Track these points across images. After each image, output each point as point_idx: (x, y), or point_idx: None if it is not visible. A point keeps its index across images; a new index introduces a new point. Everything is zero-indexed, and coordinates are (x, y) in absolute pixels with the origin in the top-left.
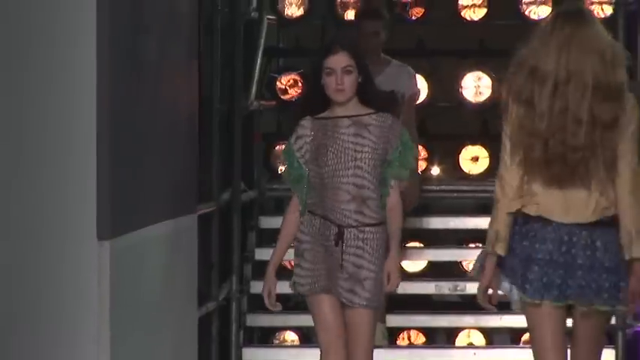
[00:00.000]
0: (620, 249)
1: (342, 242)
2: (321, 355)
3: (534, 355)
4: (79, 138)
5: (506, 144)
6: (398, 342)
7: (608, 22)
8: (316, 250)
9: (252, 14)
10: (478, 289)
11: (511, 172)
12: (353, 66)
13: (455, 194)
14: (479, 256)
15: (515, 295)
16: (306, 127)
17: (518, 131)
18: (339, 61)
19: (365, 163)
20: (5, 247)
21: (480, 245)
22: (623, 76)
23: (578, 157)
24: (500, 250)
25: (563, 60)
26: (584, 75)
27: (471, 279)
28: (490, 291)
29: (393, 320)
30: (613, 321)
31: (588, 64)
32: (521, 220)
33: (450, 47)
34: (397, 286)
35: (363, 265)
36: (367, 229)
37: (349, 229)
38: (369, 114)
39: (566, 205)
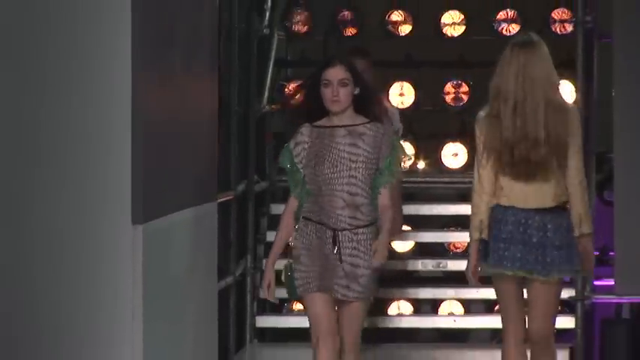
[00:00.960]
0: (570, 229)
1: (338, 245)
2: (313, 347)
3: (502, 319)
4: (117, 136)
5: (481, 148)
6: (389, 311)
7: (568, 38)
8: (311, 254)
9: (265, 30)
10: (467, 268)
11: (486, 170)
12: (349, 79)
13: (438, 185)
14: (471, 250)
15: (485, 265)
16: (304, 134)
17: (491, 140)
18: (336, 73)
19: (359, 172)
20: (49, 230)
21: (460, 228)
22: (559, 92)
23: (539, 160)
24: (485, 235)
25: (520, 82)
26: (537, 94)
27: (452, 257)
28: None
29: (385, 292)
30: (573, 293)
31: (539, 85)
32: (494, 208)
33: (433, 59)
34: (382, 261)
35: (359, 265)
36: (360, 230)
37: (343, 232)
38: (363, 124)
39: (528, 195)
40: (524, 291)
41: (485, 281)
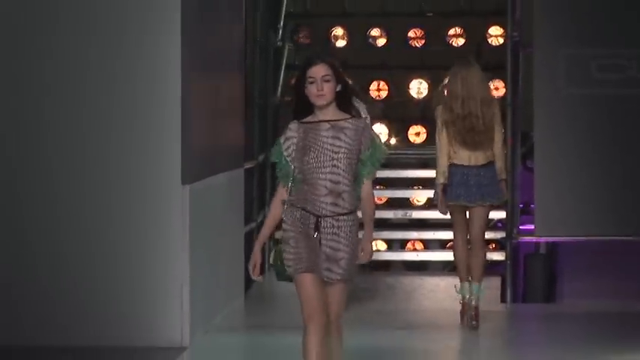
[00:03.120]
0: (495, 176)
1: (320, 231)
2: (303, 322)
3: (453, 230)
4: (171, 117)
5: (440, 129)
6: None
7: (500, 49)
8: (298, 236)
9: (278, 43)
10: (439, 204)
11: (444, 140)
12: (331, 75)
13: (405, 156)
14: (435, 191)
15: (446, 199)
16: (293, 130)
17: (447, 123)
18: (319, 71)
19: (341, 162)
20: (109, 189)
21: (421, 187)
22: (491, 92)
23: (478, 135)
24: (445, 180)
25: (465, 88)
26: (476, 95)
27: (417, 208)
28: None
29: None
30: (504, 235)
31: (476, 89)
32: (449, 166)
33: (402, 64)
34: (369, 259)
35: (339, 249)
36: (341, 217)
37: (325, 219)
38: (345, 119)
39: (470, 157)
40: (467, 214)
41: (440, 226)
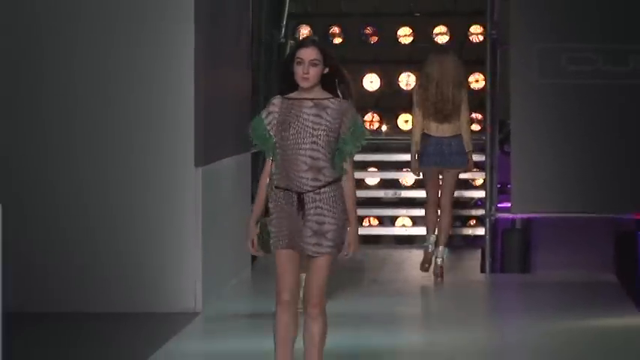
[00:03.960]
0: (462, 146)
1: (304, 208)
2: (276, 294)
3: (425, 191)
4: (185, 105)
5: (415, 105)
6: (362, 223)
7: (481, 45)
8: (280, 217)
9: (282, 40)
10: (413, 167)
11: (418, 116)
12: (320, 60)
13: (395, 141)
14: (412, 157)
15: (420, 165)
16: (275, 104)
17: (422, 100)
18: (308, 54)
19: (320, 139)
20: (131, 171)
21: (409, 169)
22: (463, 78)
23: (448, 111)
24: (418, 148)
25: (439, 71)
26: (448, 78)
27: (406, 188)
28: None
29: (361, 212)
30: (484, 212)
31: (449, 73)
32: (422, 135)
33: (392, 59)
34: (357, 251)
35: (325, 222)
36: (322, 189)
37: (307, 194)
38: (328, 98)
39: (440, 129)
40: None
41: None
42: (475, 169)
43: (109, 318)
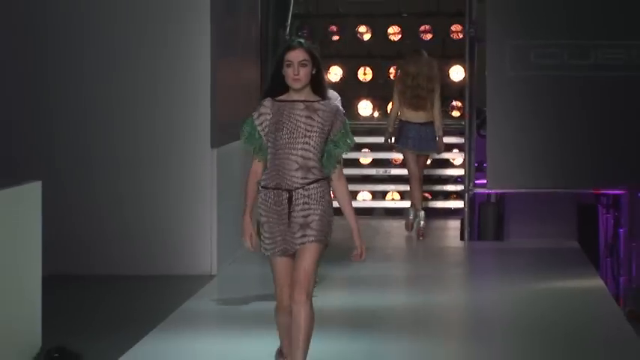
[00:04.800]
0: (433, 132)
1: (292, 204)
2: (275, 297)
3: (407, 168)
4: (203, 93)
5: (395, 95)
6: (358, 197)
7: (461, 41)
8: (271, 221)
9: (287, 37)
10: (385, 139)
11: (396, 103)
12: (308, 60)
13: (385, 125)
14: (385, 133)
15: (398, 147)
16: (267, 106)
17: (401, 90)
18: (297, 55)
19: (312, 140)
20: (155, 151)
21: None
22: (436, 72)
23: (422, 100)
24: (392, 129)
25: (416, 67)
26: (423, 73)
27: (395, 166)
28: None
29: (356, 187)
30: (463, 187)
31: (424, 69)
32: (401, 122)
33: (383, 54)
34: (364, 256)
35: (310, 213)
36: (311, 186)
37: (297, 191)
38: (318, 101)
39: (415, 116)
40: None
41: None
42: (455, 150)
43: (134, 280)
